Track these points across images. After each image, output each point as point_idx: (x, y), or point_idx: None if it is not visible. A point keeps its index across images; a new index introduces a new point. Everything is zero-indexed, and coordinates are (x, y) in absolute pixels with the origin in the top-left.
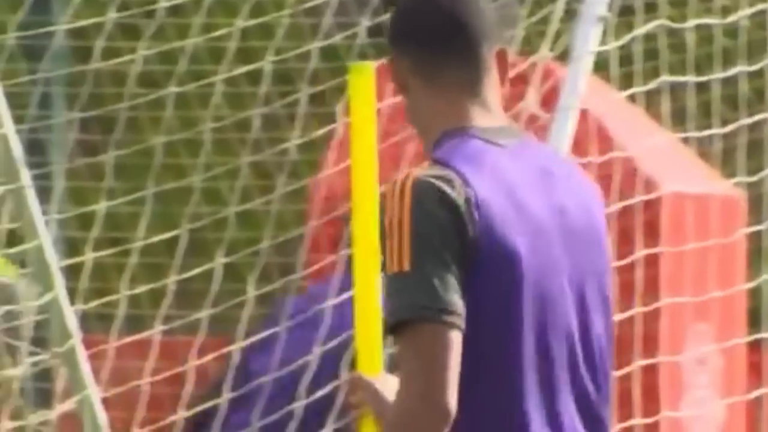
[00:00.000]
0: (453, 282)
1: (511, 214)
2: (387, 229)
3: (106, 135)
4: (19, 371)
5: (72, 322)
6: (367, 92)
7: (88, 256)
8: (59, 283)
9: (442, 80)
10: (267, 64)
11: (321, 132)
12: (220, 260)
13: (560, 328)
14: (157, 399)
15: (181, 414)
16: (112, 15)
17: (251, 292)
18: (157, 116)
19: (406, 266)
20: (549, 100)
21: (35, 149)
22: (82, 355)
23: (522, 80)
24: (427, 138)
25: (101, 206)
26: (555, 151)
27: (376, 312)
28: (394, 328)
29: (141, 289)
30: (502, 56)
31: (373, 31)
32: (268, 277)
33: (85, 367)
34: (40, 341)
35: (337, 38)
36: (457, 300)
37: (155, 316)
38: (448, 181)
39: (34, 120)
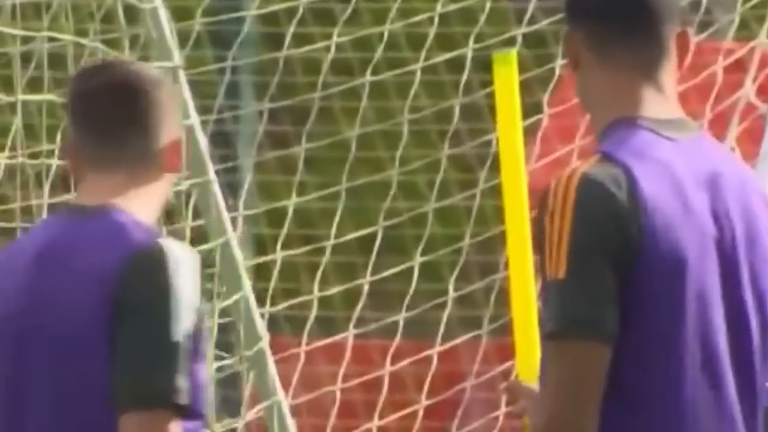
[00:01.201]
0: (608, 293)
1: (679, 215)
2: (548, 230)
3: (297, 126)
4: (204, 377)
5: (260, 324)
6: (511, 82)
7: (278, 255)
8: (246, 283)
9: (617, 59)
10: (468, 51)
11: (524, 123)
12: (418, 259)
13: (714, 342)
14: (349, 405)
15: (376, 422)
16: None
17: (451, 292)
18: (352, 106)
19: (562, 273)
20: (767, 89)
21: (222, 141)
22: (270, 359)
23: (739, 67)
24: (595, 121)
25: (292, 202)
26: (729, 151)
27: (533, 318)
28: (544, 337)
29: (333, 289)
30: (683, 39)
31: None
32: (468, 277)
33: (274, 373)
34: (226, 345)
35: (543, 24)
36: (610, 314)
37: (348, 319)
38: (616, 182)
39: (221, 110)
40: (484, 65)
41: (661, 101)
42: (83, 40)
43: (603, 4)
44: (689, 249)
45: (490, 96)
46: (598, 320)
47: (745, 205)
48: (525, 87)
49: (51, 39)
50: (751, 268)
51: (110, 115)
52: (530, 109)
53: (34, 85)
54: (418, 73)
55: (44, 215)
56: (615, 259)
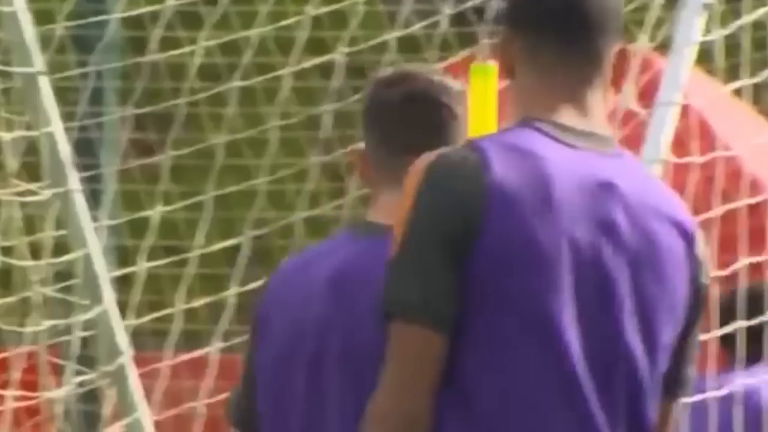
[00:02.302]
0: (442, 278)
1: (537, 210)
2: (398, 211)
3: (162, 134)
4: (64, 392)
5: (122, 338)
6: (489, 95)
7: (142, 266)
8: (108, 295)
9: (546, 69)
10: (340, 55)
11: None
12: None
13: (566, 353)
14: (215, 421)
15: None
16: (171, 2)
17: None
18: (219, 113)
19: (399, 251)
20: (648, 95)
21: (85, 149)
22: (132, 374)
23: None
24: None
25: (156, 212)
26: (642, 169)
27: None
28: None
29: (198, 302)
30: (622, 56)
31: (457, 20)
32: None
33: (135, 388)
34: (87, 360)
35: (417, 27)
36: (443, 300)
37: (214, 332)
38: (464, 164)
39: (84, 117)
40: (356, 70)
41: (577, 114)
42: None
43: (541, 15)
44: (541, 245)
45: (363, 102)
46: (427, 304)
47: (643, 226)
48: None
49: None
50: (637, 289)
51: (411, 129)
52: None
53: None
54: (288, 79)
55: None
56: (452, 243)
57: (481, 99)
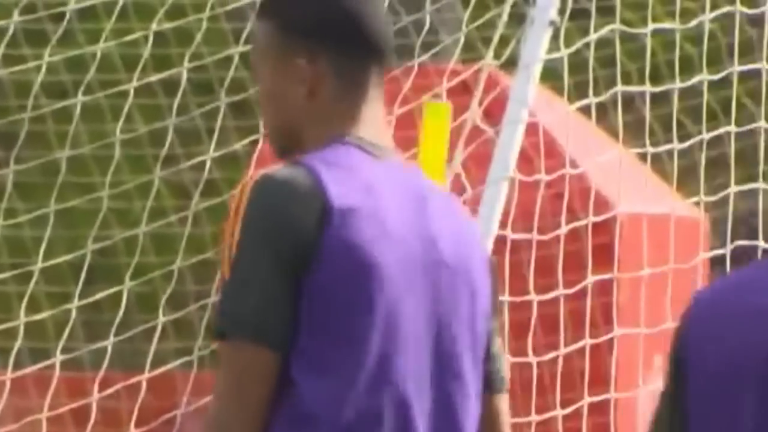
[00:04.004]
0: (277, 297)
1: (372, 225)
2: (227, 231)
3: (7, 150)
4: None
5: None
6: (441, 133)
7: None
8: None
9: (351, 88)
10: (184, 71)
11: (240, 145)
12: (127, 284)
13: (402, 371)
14: None
15: None
16: (16, 18)
17: (161, 319)
18: (65, 130)
19: (235, 270)
20: (494, 112)
21: None
22: None
23: (465, 90)
24: (306, 140)
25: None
26: (430, 180)
27: None
28: (213, 337)
29: (40, 315)
30: (386, 73)
31: None
32: (186, 305)
33: None
34: None
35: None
36: (278, 318)
37: (62, 349)
38: (296, 181)
39: None
40: (201, 87)
41: (375, 130)
42: None
43: (348, 36)
44: (381, 261)
45: (209, 118)
46: (262, 324)
47: (454, 233)
48: (243, 108)
49: None
50: (456, 297)
51: None
52: (249, 131)
53: None
54: (132, 94)
55: None
56: (288, 260)
57: (433, 137)
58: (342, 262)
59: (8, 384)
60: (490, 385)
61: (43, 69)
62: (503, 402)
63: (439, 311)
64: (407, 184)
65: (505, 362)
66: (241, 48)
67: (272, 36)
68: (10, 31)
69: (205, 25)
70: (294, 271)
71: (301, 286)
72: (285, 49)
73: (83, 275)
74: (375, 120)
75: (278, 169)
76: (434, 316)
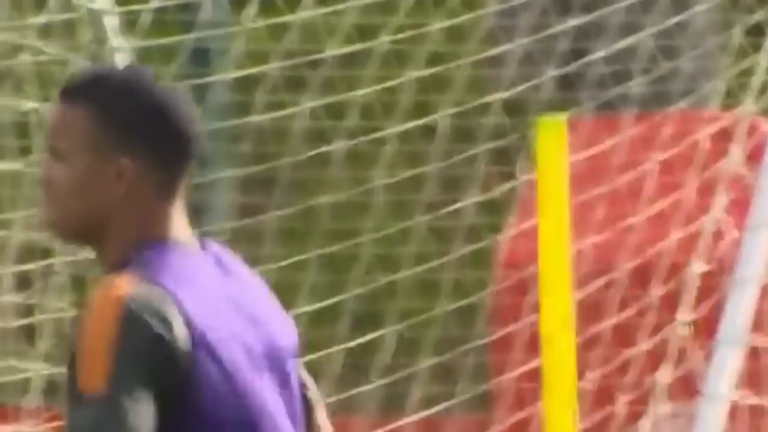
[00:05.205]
0: (149, 410)
1: (226, 334)
2: (85, 344)
3: (267, 197)
4: None
5: None
6: (557, 148)
7: None
8: None
9: (164, 189)
10: (443, 118)
11: (499, 190)
12: (392, 328)
13: None
14: None
15: None
16: (274, 65)
17: (425, 365)
18: (325, 175)
19: (101, 389)
20: (754, 158)
21: (196, 210)
22: None
23: (725, 136)
24: (111, 239)
25: (262, 270)
26: (227, 252)
27: (570, 390)
28: None
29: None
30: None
31: (562, 83)
32: (451, 348)
33: None
34: None
35: (521, 89)
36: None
37: None
38: (163, 306)
39: (194, 178)
40: (461, 133)
41: (181, 221)
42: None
43: (165, 142)
44: (241, 369)
45: (468, 164)
46: None
47: (263, 299)
48: (502, 155)
49: None
50: (291, 363)
51: None
52: (508, 177)
53: None
54: (393, 141)
55: None
56: (159, 382)
57: (550, 154)
58: (211, 381)
59: None
60: (309, 405)
61: (303, 114)
62: (320, 415)
63: (281, 380)
64: (227, 282)
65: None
66: (500, 95)
67: (90, 123)
68: (269, 78)
69: (463, 72)
70: (167, 393)
71: (175, 408)
72: (105, 141)
73: (347, 319)
74: (183, 216)
75: (143, 289)
76: (282, 387)
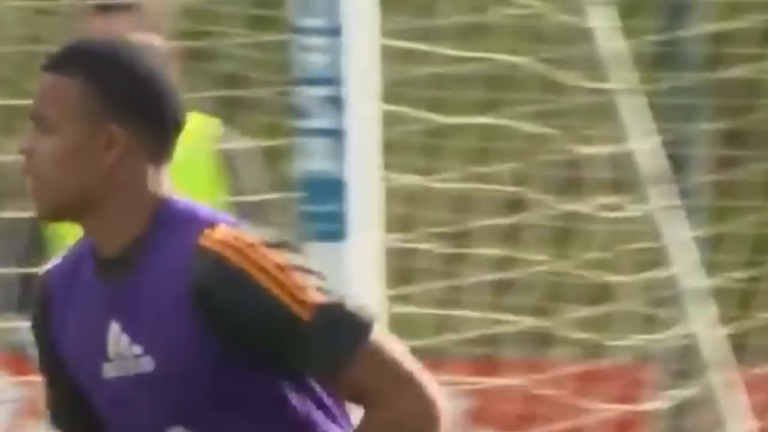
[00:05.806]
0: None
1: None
2: (276, 282)
3: (740, 150)
4: (660, 405)
5: (717, 352)
6: None
7: (724, 280)
8: (703, 310)
9: (155, 159)
10: None
11: None
12: None
13: None
14: None
15: None
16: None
17: None
18: None
19: (320, 301)
20: None
21: (678, 165)
22: (728, 388)
23: None
24: (79, 205)
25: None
26: None
27: None
28: None
29: None
30: None
31: None
32: None
33: (732, 402)
34: (681, 373)
35: None
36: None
37: None
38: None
39: (674, 133)
40: None
41: (170, 187)
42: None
43: (159, 112)
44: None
45: None
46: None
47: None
48: None
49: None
50: None
51: None
52: None
53: None
54: None
55: None
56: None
57: None
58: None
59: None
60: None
61: None
62: None
63: None
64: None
65: None
66: None
67: (81, 93)
68: (742, 31)
69: None
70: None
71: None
72: (97, 111)
73: None
74: (169, 181)
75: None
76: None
